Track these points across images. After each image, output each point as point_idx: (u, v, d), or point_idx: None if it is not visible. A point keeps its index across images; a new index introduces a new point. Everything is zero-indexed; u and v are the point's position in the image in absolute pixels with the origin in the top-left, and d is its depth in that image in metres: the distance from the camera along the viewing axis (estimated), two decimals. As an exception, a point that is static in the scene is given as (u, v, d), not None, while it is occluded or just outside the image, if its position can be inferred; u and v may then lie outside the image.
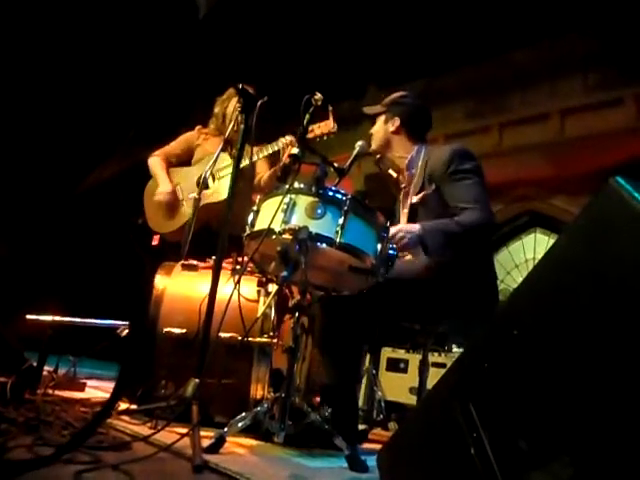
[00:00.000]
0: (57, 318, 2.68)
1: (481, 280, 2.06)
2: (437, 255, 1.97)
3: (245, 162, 2.37)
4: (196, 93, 5.38)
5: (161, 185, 2.97)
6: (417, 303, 2.00)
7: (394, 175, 2.31)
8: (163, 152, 3.11)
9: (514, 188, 6.46)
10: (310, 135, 2.39)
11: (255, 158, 2.79)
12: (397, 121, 2.26)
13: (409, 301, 1.99)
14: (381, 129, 2.28)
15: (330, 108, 2.31)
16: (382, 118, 2.29)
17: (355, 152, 2.11)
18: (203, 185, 2.60)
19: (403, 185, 2.27)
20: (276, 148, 2.72)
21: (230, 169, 2.73)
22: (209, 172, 2.59)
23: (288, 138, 2.63)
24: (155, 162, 3.07)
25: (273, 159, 2.92)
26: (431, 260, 1.99)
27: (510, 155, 5.92)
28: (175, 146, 3.13)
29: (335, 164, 2.00)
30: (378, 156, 2.31)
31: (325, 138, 2.52)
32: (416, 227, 1.98)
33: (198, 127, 3.15)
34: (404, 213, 2.27)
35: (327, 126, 2.48)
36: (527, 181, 6.40)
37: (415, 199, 2.13)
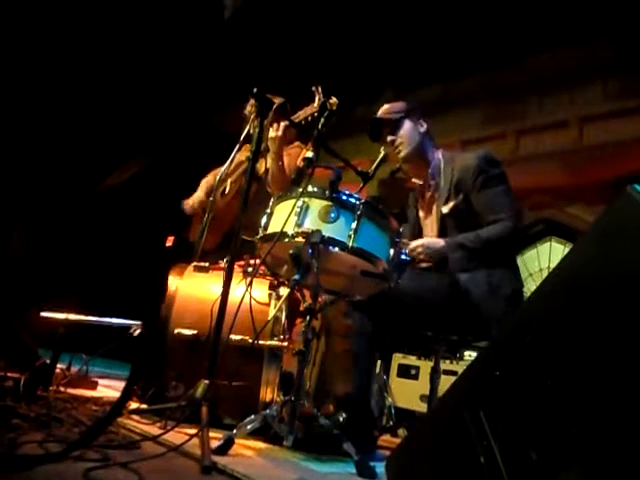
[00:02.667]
0: (71, 316, 2.70)
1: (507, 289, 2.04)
2: (456, 268, 1.99)
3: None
4: (214, 96, 5.42)
5: None
6: (440, 314, 2.00)
7: (419, 182, 2.27)
8: None
9: (530, 196, 6.40)
10: (296, 120, 2.34)
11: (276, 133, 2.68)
12: (424, 123, 2.24)
13: (430, 311, 1.99)
14: (413, 131, 2.21)
15: (314, 88, 2.21)
16: (408, 123, 2.22)
17: (381, 155, 2.09)
18: (220, 188, 2.60)
19: (429, 193, 2.24)
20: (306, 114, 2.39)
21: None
22: (225, 174, 2.58)
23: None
24: None
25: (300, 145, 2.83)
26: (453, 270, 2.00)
27: (527, 162, 5.87)
28: None
29: (359, 168, 1.99)
30: (398, 165, 2.25)
31: (309, 119, 2.30)
32: (439, 243, 2.00)
33: None
34: (429, 223, 2.24)
35: (311, 108, 2.29)
36: (543, 189, 6.34)
37: (445, 209, 2.11)
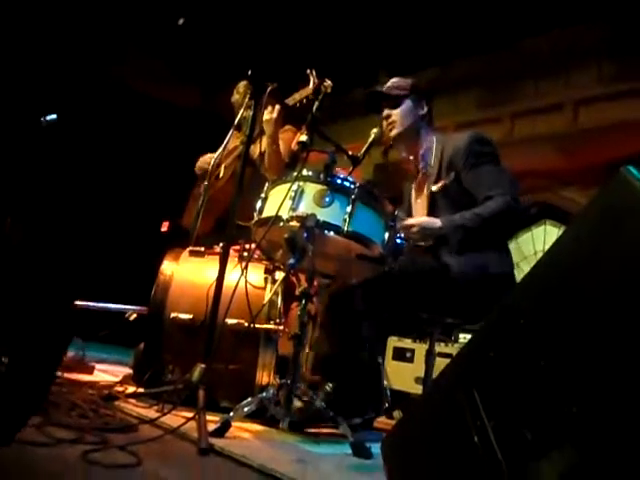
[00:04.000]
0: (67, 302, 2.69)
1: (497, 272, 2.05)
2: (454, 248, 1.99)
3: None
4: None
5: None
6: (435, 295, 2.01)
7: (410, 158, 2.24)
8: None
9: (524, 179, 6.38)
10: (290, 102, 2.32)
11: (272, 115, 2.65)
12: (425, 107, 2.21)
13: (422, 293, 2.00)
14: (410, 112, 2.18)
15: (308, 71, 2.16)
16: (408, 102, 2.19)
17: (371, 139, 2.07)
18: (214, 173, 2.59)
19: (420, 174, 2.23)
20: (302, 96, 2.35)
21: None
22: (218, 160, 2.58)
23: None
24: None
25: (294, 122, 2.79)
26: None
27: (521, 145, 5.86)
28: None
29: (349, 152, 1.98)
30: (392, 142, 2.23)
31: (304, 102, 2.27)
32: (437, 223, 1.98)
33: None
34: (419, 202, 2.24)
35: (305, 90, 2.26)
36: (538, 172, 6.34)
37: (435, 188, 2.11)
